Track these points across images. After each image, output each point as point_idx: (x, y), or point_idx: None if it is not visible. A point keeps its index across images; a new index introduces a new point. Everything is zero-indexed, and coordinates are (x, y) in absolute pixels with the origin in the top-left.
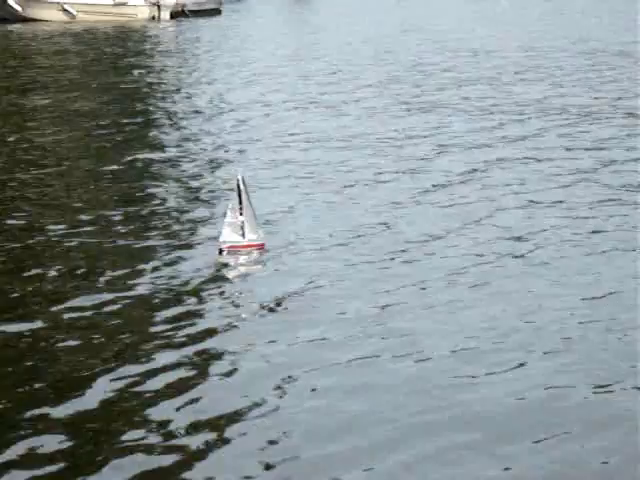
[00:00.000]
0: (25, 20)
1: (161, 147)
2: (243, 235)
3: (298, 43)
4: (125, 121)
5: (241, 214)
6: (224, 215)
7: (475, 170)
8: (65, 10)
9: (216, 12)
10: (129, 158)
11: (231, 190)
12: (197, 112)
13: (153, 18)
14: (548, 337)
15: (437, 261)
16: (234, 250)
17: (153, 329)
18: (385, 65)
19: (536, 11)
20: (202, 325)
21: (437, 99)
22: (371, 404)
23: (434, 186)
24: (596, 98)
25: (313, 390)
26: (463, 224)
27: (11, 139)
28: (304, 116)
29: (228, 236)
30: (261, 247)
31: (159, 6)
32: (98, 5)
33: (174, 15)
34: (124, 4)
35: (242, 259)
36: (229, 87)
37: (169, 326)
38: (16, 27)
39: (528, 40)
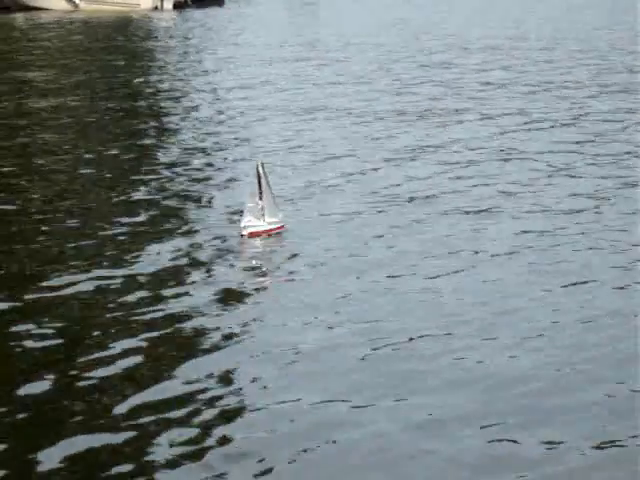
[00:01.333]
0: (28, 8)
1: (173, 136)
2: (263, 219)
3: (300, 36)
4: (130, 110)
5: (261, 199)
6: (245, 201)
7: (486, 165)
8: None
9: (219, 3)
10: (138, 146)
11: (249, 176)
12: (195, 104)
13: (156, 8)
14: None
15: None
16: (255, 234)
17: (168, 308)
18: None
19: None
20: (222, 308)
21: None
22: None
23: (446, 171)
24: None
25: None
26: (476, 217)
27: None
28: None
29: (249, 221)
30: (281, 229)
31: None
32: None
33: (177, 5)
34: None
35: (262, 242)
36: (233, 76)
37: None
38: (19, 15)
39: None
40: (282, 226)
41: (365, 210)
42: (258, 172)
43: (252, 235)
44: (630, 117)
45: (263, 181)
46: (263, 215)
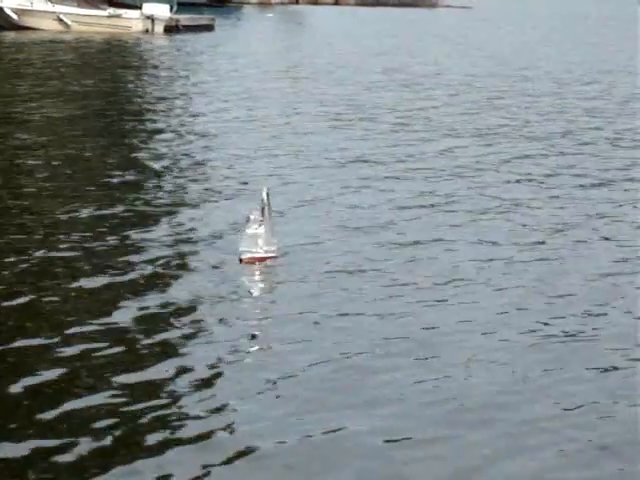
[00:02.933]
0: (20, 28)
1: (161, 157)
2: (261, 246)
3: (289, 61)
4: (115, 129)
5: (261, 226)
6: (244, 226)
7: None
8: (60, 20)
9: (209, 28)
10: (130, 166)
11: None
12: (186, 124)
13: (147, 31)
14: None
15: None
16: (253, 260)
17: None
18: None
19: None
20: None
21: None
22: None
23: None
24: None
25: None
26: (472, 219)
27: None
28: (303, 128)
29: (247, 246)
30: (275, 258)
31: (153, 20)
32: (93, 16)
33: (168, 29)
34: (118, 16)
35: (258, 268)
36: (222, 99)
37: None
38: (11, 35)
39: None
40: (276, 256)
41: (362, 229)
42: (263, 200)
43: (250, 261)
44: None
45: (266, 208)
46: (261, 242)
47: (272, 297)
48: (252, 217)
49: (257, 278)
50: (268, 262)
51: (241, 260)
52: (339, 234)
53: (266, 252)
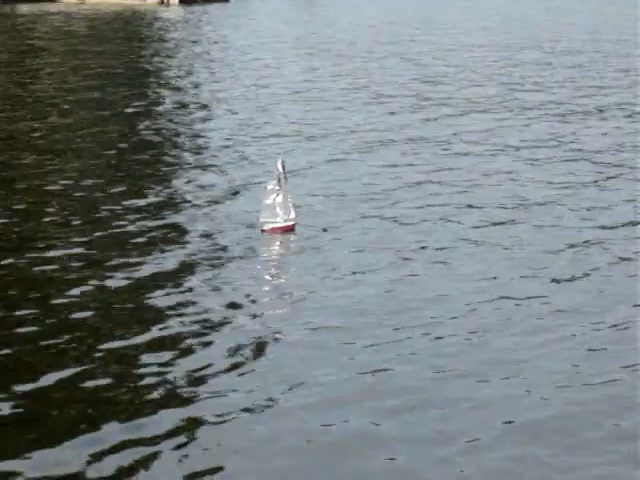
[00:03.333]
0: (35, 0)
1: (180, 134)
2: (280, 216)
3: (305, 33)
4: (135, 105)
5: (278, 196)
6: (262, 197)
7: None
8: None
9: None
10: (150, 143)
11: (268, 173)
12: (198, 100)
13: (162, 2)
14: None
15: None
16: (273, 231)
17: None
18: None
19: None
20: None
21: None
22: None
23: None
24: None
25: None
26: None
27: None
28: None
29: (267, 217)
30: (294, 226)
31: None
32: None
33: (183, 1)
34: None
35: (278, 238)
36: (238, 72)
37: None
38: (25, 8)
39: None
40: (295, 223)
41: (379, 206)
42: (279, 169)
43: (271, 231)
44: None
45: (282, 178)
46: (280, 211)
47: (294, 265)
48: (269, 187)
49: (278, 247)
50: (288, 231)
51: (263, 231)
52: (355, 204)
53: (285, 221)
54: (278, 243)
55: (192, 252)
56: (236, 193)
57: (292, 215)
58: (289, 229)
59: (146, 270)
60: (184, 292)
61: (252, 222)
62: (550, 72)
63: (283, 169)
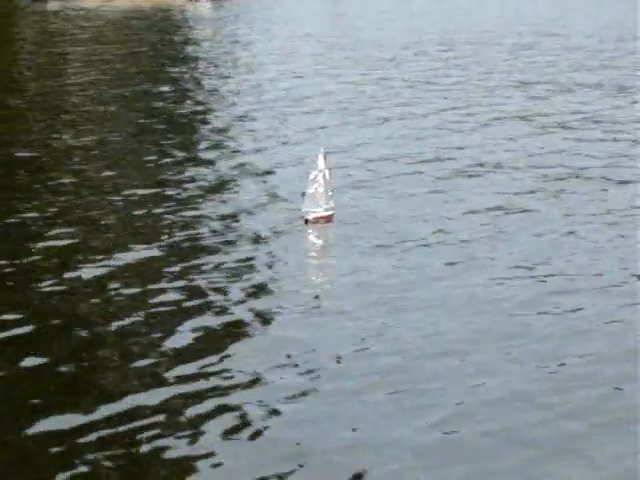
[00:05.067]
0: None
1: (218, 129)
2: (322, 205)
3: (335, 27)
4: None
5: (321, 186)
6: (306, 187)
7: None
8: None
9: None
10: (186, 138)
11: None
12: (239, 92)
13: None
14: None
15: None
16: (315, 219)
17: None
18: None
19: None
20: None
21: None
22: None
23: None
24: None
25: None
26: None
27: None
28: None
29: (309, 206)
30: (333, 215)
31: None
32: None
33: None
34: None
35: (320, 226)
36: (272, 68)
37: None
38: (56, 4)
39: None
40: (333, 213)
41: (410, 195)
42: (321, 160)
43: (314, 220)
44: None
45: (325, 169)
46: (322, 201)
47: (335, 255)
48: (311, 177)
49: (321, 237)
50: (329, 220)
51: (307, 221)
52: (391, 195)
53: (326, 210)
54: (321, 232)
55: (239, 244)
56: (280, 182)
57: (332, 204)
58: (329, 218)
59: (193, 255)
60: (237, 279)
61: (295, 212)
62: None
63: (325, 159)
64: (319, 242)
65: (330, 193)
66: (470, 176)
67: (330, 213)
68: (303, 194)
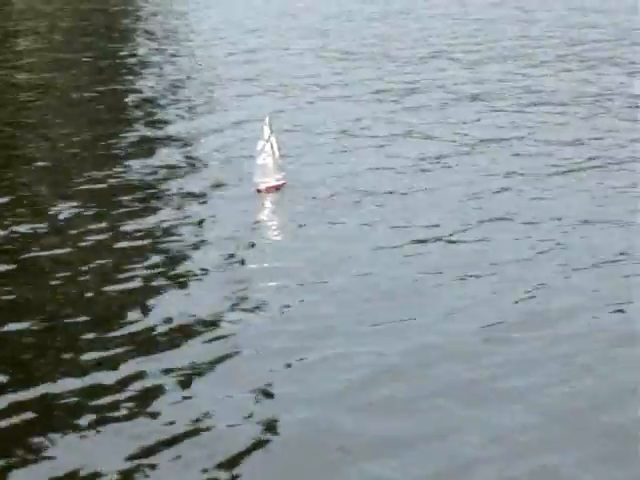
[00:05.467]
0: None
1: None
2: (273, 174)
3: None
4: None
5: (269, 156)
6: (255, 157)
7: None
8: None
9: None
10: (143, 114)
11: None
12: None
13: None
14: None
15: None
16: (267, 189)
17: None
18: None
19: None
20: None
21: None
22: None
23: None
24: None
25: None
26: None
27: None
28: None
29: (260, 177)
30: (284, 184)
31: None
32: None
33: None
34: None
35: (272, 196)
36: (242, 47)
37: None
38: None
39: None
40: (285, 182)
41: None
42: (266, 127)
43: (266, 190)
44: None
45: (271, 136)
46: (272, 170)
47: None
48: (259, 148)
49: (271, 206)
50: (280, 189)
51: (259, 191)
52: (340, 158)
53: (277, 180)
54: (273, 200)
55: (189, 214)
56: (230, 158)
57: (282, 173)
58: (280, 187)
59: (143, 230)
60: (201, 252)
61: (245, 182)
62: None
63: (271, 126)
64: (267, 208)
65: (280, 162)
66: (412, 133)
67: (281, 182)
68: (254, 165)
